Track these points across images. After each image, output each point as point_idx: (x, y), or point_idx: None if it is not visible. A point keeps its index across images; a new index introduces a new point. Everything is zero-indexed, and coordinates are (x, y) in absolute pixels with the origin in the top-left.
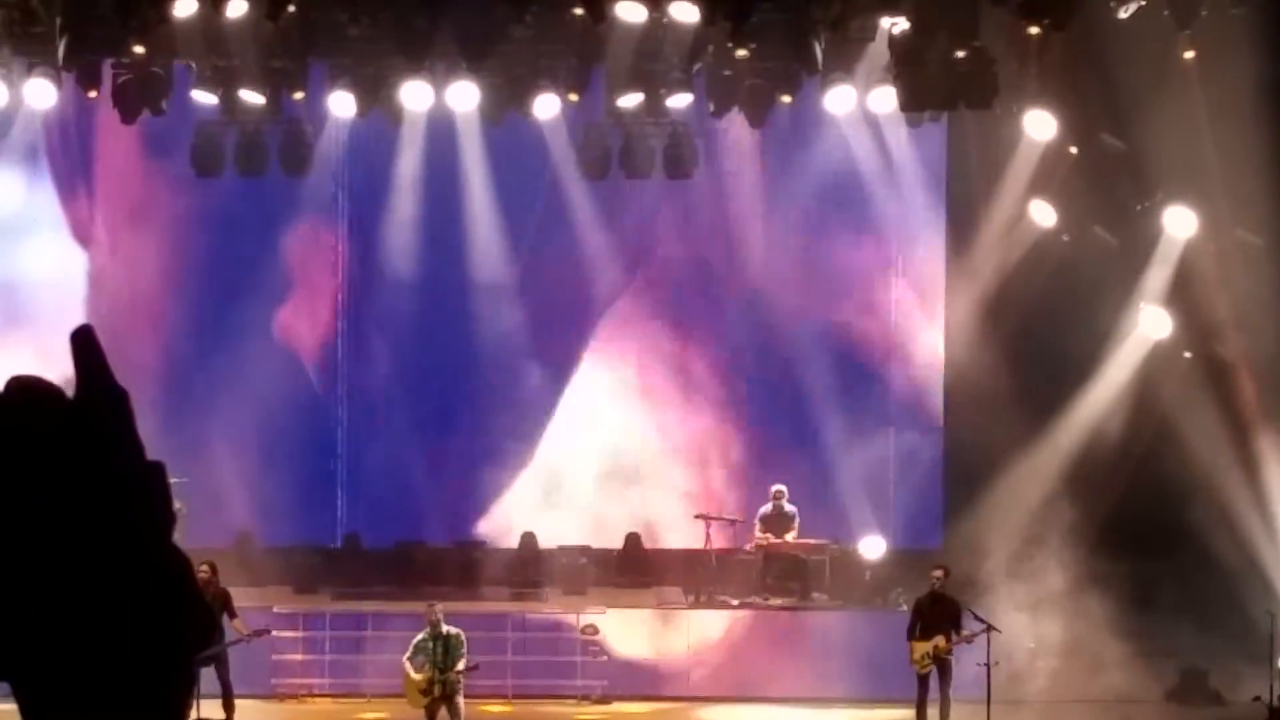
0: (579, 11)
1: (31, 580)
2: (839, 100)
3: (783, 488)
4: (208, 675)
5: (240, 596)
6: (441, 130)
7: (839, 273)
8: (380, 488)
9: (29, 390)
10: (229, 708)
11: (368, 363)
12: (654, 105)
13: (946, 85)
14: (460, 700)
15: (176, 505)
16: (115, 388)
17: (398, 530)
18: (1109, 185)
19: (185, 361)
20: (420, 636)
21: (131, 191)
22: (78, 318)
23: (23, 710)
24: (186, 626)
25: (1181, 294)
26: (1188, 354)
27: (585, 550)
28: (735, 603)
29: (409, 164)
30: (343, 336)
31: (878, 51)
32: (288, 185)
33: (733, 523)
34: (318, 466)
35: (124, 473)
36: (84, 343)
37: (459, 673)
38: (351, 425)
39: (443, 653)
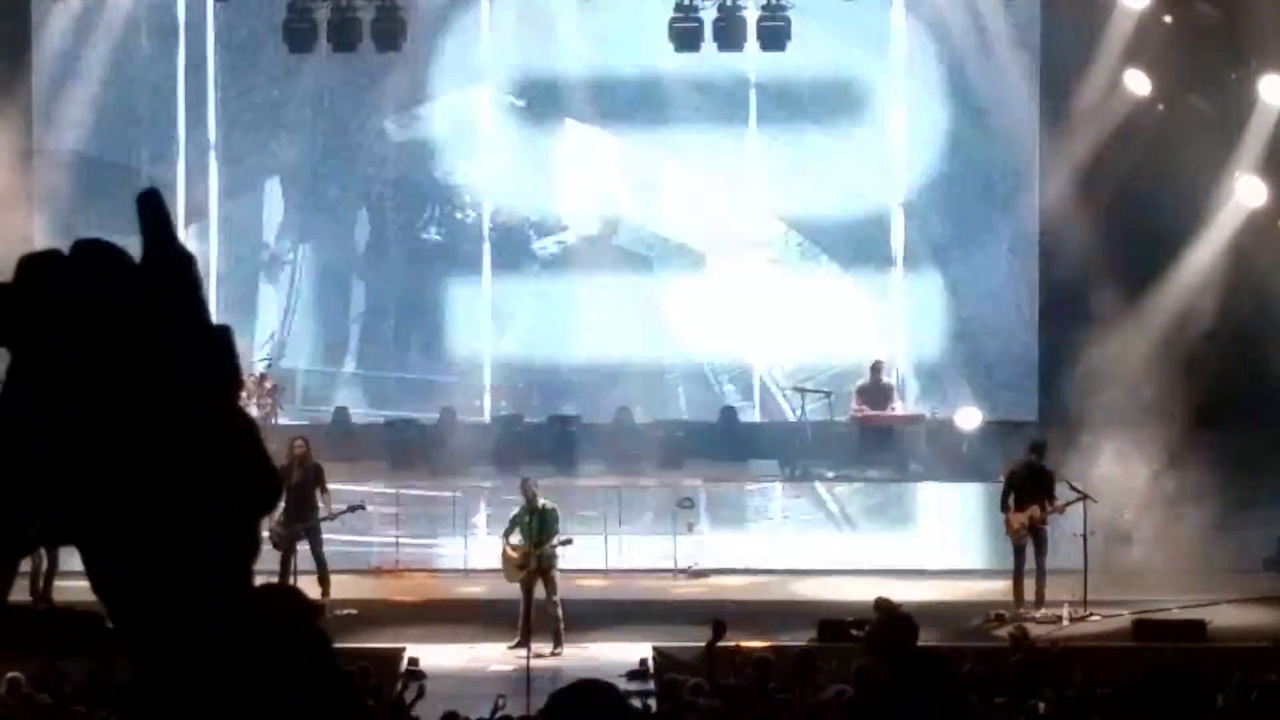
0: None
1: (97, 439)
2: None
3: (882, 359)
4: (303, 550)
5: (336, 472)
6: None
7: (933, 143)
8: (477, 363)
9: (95, 253)
10: (324, 582)
11: None
12: None
13: None
14: (555, 574)
15: (270, 383)
16: (181, 251)
17: (493, 405)
18: (1204, 53)
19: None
20: (516, 511)
21: None
22: None
23: (91, 576)
24: (249, 489)
25: (1277, 161)
26: None
27: (681, 424)
28: (831, 475)
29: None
30: None
31: None
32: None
33: (828, 394)
34: (416, 344)
35: (188, 335)
36: (150, 206)
37: (553, 546)
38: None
39: (538, 527)
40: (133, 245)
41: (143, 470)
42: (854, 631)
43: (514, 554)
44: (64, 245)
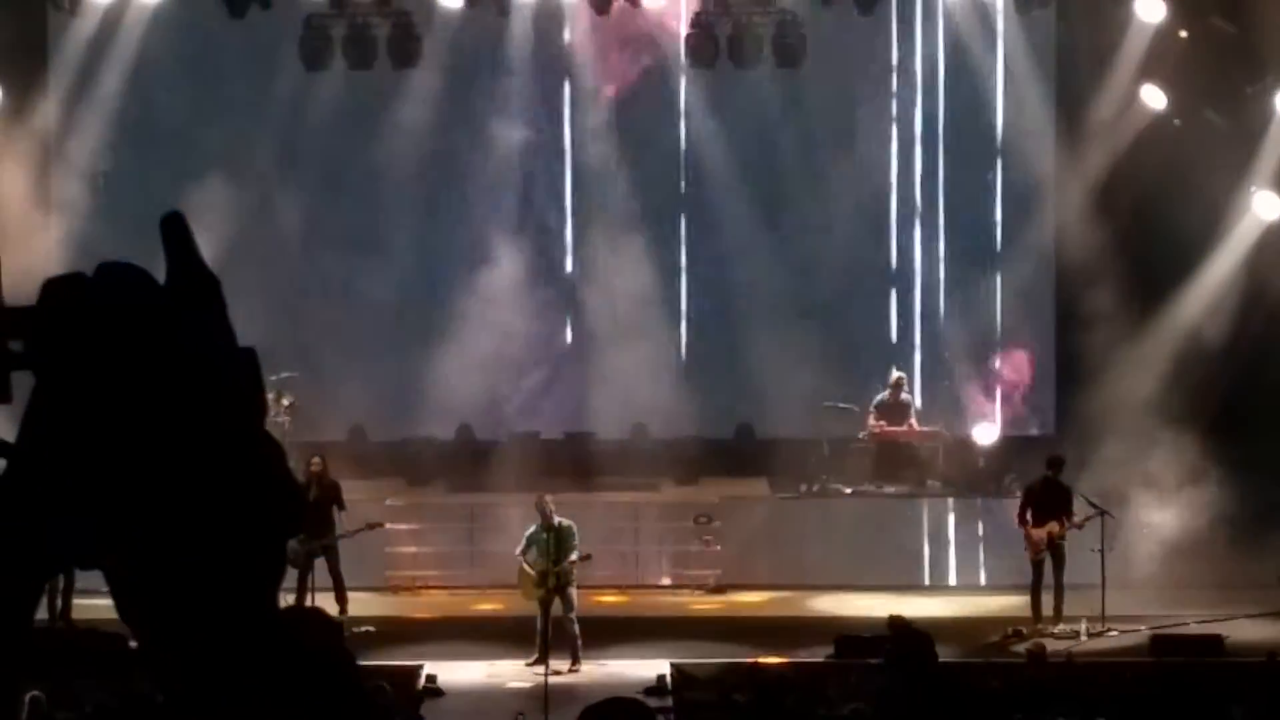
0: None
1: (123, 461)
2: None
3: (903, 375)
4: (320, 568)
5: (353, 490)
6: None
7: (947, 160)
8: (493, 380)
9: (119, 275)
10: (341, 600)
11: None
12: None
13: None
14: (573, 591)
15: (287, 400)
16: (206, 274)
17: (510, 422)
18: (1220, 68)
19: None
20: (532, 529)
21: None
22: None
23: (116, 597)
24: (275, 511)
25: None
26: None
27: (697, 440)
28: (849, 491)
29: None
30: None
31: None
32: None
33: (846, 411)
34: (429, 359)
35: (214, 358)
36: (175, 228)
37: (571, 563)
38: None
39: (555, 544)
40: (155, 264)
41: (168, 491)
42: (871, 661)
43: (531, 572)
44: (84, 261)
